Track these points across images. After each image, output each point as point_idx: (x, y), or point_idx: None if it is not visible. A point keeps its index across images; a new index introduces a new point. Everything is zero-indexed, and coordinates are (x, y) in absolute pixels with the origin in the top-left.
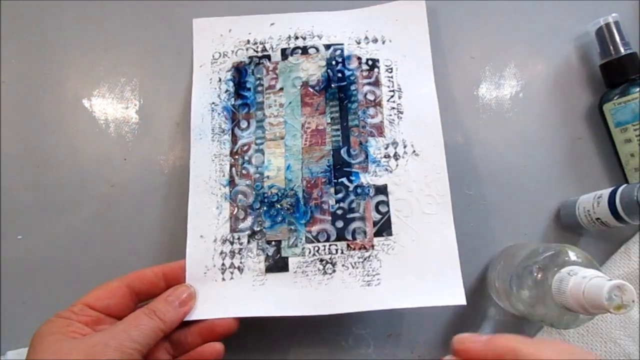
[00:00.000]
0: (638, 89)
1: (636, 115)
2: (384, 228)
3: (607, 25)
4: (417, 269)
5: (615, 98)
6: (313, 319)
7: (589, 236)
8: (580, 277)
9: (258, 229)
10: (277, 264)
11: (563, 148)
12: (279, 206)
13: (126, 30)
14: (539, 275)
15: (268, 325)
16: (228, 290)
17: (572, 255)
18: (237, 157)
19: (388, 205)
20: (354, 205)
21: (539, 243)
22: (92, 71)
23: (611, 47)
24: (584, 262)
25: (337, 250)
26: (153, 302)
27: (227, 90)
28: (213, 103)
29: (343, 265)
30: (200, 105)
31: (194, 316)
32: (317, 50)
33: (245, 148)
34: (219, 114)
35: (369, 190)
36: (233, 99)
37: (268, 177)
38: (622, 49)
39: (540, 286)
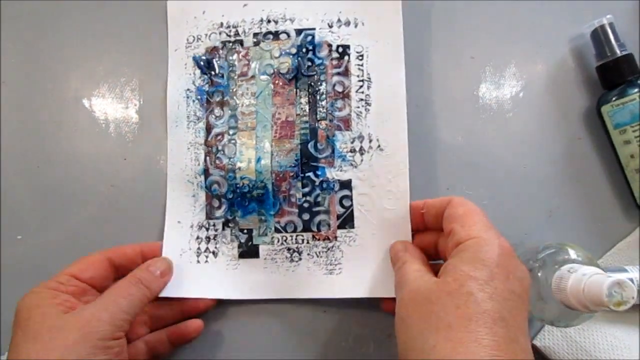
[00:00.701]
0: (636, 90)
1: (635, 117)
2: (346, 221)
3: (602, 27)
4: (375, 261)
5: (613, 100)
6: (312, 318)
7: (589, 235)
8: (580, 275)
9: (231, 217)
10: (249, 251)
11: (563, 148)
12: (249, 197)
13: (126, 30)
14: (539, 274)
15: (268, 324)
16: (203, 273)
17: (572, 253)
18: (211, 146)
19: (351, 200)
20: (319, 199)
21: (539, 243)
22: (92, 71)
23: (607, 49)
24: (584, 260)
25: (303, 240)
26: (136, 271)
27: (201, 76)
28: (188, 89)
29: (308, 254)
30: (176, 91)
31: (172, 293)
32: (288, 35)
33: (219, 137)
34: (193, 100)
35: (334, 185)
36: (207, 86)
37: (240, 168)
38: (617, 51)
39: (540, 284)
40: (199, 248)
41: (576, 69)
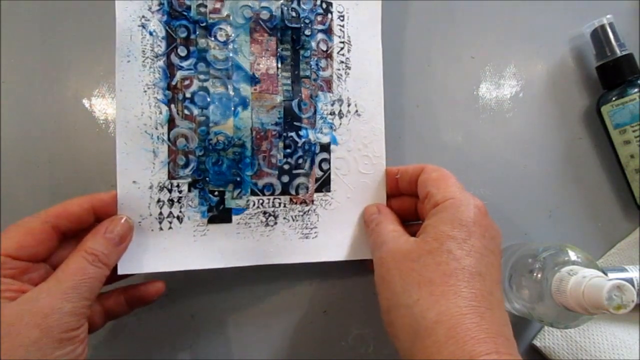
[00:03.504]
0: (636, 90)
1: (635, 117)
2: (324, 184)
3: (602, 27)
4: (351, 224)
5: (613, 100)
6: (312, 318)
7: (589, 236)
8: (580, 277)
9: (200, 177)
10: (220, 215)
11: (563, 148)
12: (224, 155)
13: None
14: (539, 275)
15: (267, 324)
16: (167, 241)
17: (572, 255)
18: (177, 92)
19: (329, 163)
20: (300, 161)
21: (539, 243)
22: (92, 71)
23: (607, 49)
24: (584, 261)
25: (280, 203)
26: (91, 241)
27: (160, 4)
28: (144, 17)
29: (284, 218)
30: (127, 17)
31: (131, 269)
32: None
33: (187, 83)
34: (150, 33)
35: (315, 147)
36: (168, 16)
37: (215, 122)
38: (617, 51)
39: (540, 285)
40: (161, 213)
41: (576, 69)
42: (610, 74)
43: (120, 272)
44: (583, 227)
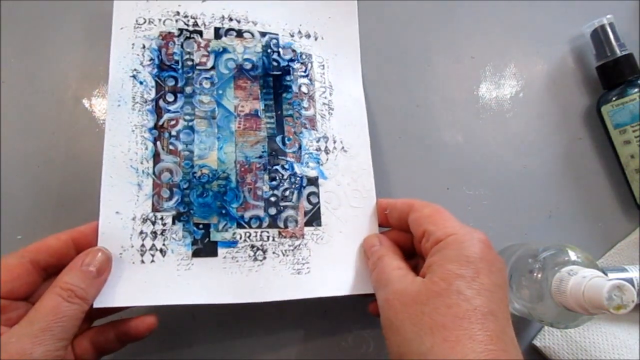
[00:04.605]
0: (636, 90)
1: (635, 117)
2: (314, 218)
3: (602, 27)
4: (344, 259)
5: (613, 100)
6: (312, 318)
7: (589, 236)
8: (580, 277)
9: (184, 210)
10: (206, 249)
11: (563, 148)
12: (209, 188)
13: None
14: (539, 275)
15: (267, 324)
16: (149, 275)
17: (572, 255)
18: (163, 130)
19: (318, 197)
20: (287, 193)
21: (539, 243)
22: (92, 71)
23: (607, 49)
24: (584, 262)
25: (268, 237)
26: (67, 275)
27: (151, 59)
28: (135, 70)
29: (274, 253)
30: (120, 69)
31: (110, 302)
32: (253, 35)
33: (173, 123)
34: (141, 82)
35: (302, 180)
36: (158, 69)
37: (199, 156)
38: (618, 51)
39: (540, 286)
40: (143, 245)
41: (576, 69)
42: (610, 74)
43: (96, 305)
44: (583, 227)
